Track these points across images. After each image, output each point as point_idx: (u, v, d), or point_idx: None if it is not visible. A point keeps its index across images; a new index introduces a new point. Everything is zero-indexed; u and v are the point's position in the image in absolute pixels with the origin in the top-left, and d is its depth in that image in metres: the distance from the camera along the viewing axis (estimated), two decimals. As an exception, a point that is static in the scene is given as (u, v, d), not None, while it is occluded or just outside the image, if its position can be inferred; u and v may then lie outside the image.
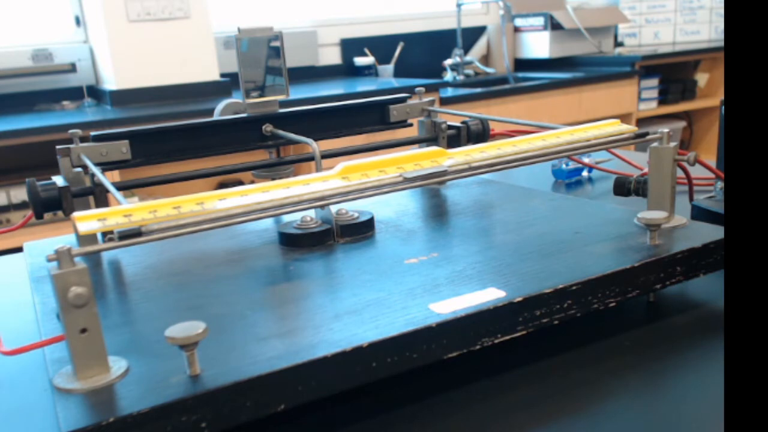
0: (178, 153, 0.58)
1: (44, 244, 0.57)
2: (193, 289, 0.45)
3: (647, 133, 0.49)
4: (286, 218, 0.55)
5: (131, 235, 0.34)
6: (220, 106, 0.63)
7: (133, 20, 1.96)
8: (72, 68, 2.15)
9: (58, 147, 0.53)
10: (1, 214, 1.79)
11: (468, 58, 2.91)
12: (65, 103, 2.13)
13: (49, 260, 0.31)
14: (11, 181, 1.81)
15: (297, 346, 0.35)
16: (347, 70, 2.70)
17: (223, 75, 2.13)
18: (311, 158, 0.54)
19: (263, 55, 0.58)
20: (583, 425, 0.34)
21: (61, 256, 0.31)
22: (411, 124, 0.68)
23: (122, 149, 0.55)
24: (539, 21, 2.82)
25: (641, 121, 2.78)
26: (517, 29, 2.93)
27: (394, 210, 0.59)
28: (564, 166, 0.82)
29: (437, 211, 0.59)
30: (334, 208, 0.53)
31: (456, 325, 0.37)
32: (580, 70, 2.72)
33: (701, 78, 3.04)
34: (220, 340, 0.36)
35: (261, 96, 0.60)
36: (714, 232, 0.46)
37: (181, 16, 2.02)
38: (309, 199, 0.39)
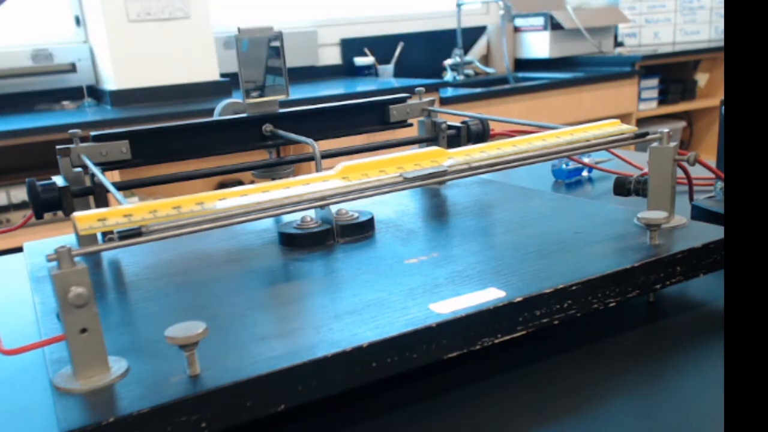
0: (178, 153, 0.58)
1: (44, 244, 0.57)
2: (193, 289, 0.45)
3: (647, 133, 0.49)
4: (286, 218, 0.55)
5: (131, 235, 0.34)
6: (220, 106, 0.63)
7: (133, 20, 1.96)
8: (72, 68, 2.14)
9: (58, 147, 0.53)
10: (1, 214, 1.79)
11: (468, 58, 2.91)
12: (65, 103, 2.13)
13: (49, 260, 0.31)
14: (11, 181, 1.81)
15: (297, 346, 0.35)
16: (347, 70, 2.70)
17: (223, 75, 2.13)
18: (311, 158, 0.54)
19: (263, 55, 0.58)
20: (583, 425, 0.34)
21: (61, 256, 0.31)
22: (411, 124, 0.68)
23: (122, 149, 0.55)
24: (539, 21, 2.82)
25: (641, 121, 2.78)
26: (517, 29, 2.93)
27: (394, 210, 0.59)
28: (564, 166, 0.82)
29: (437, 211, 0.59)
30: (334, 208, 0.53)
31: (456, 325, 0.37)
32: (580, 70, 2.72)
33: (701, 78, 3.04)
34: (220, 340, 0.36)
35: (261, 96, 0.59)
36: (714, 232, 0.46)
37: (181, 16, 2.02)
38: (309, 199, 0.39)
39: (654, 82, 2.79)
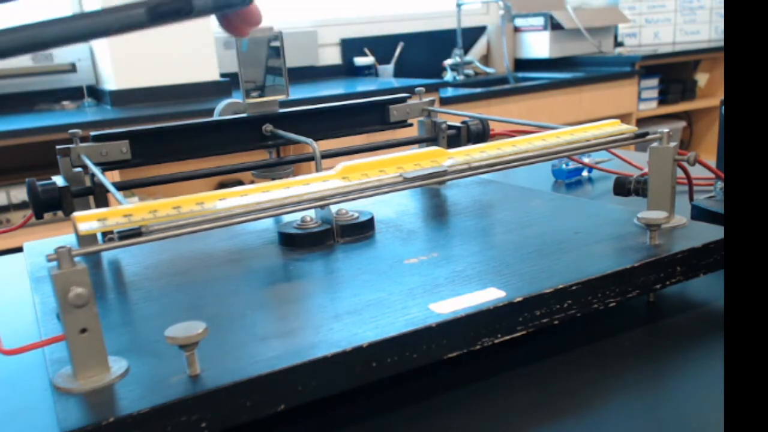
0: (178, 153, 0.58)
1: (44, 244, 0.57)
2: (193, 289, 0.45)
3: (647, 133, 0.49)
4: (286, 218, 0.55)
5: (131, 235, 0.34)
6: (220, 106, 0.63)
7: (133, 20, 1.96)
8: (72, 68, 2.14)
9: (58, 147, 0.53)
10: (1, 214, 1.79)
11: (468, 58, 2.91)
12: (65, 103, 2.13)
13: (49, 260, 0.31)
14: (11, 181, 1.81)
15: (297, 346, 0.35)
16: (347, 70, 2.70)
17: (223, 75, 2.13)
18: (311, 158, 0.54)
19: (263, 55, 0.58)
20: (583, 425, 0.34)
21: (61, 256, 0.31)
22: (411, 124, 0.68)
23: (122, 149, 0.55)
24: (539, 21, 2.82)
25: (641, 121, 2.78)
26: (517, 29, 2.93)
27: (394, 210, 0.59)
28: (564, 166, 0.82)
29: (437, 211, 0.59)
30: (334, 208, 0.53)
31: (456, 325, 0.37)
32: (580, 70, 2.72)
33: (701, 78, 3.04)
34: (220, 340, 0.36)
35: (261, 96, 0.60)
36: (714, 232, 0.46)
37: (181, 16, 2.01)
38: (309, 199, 0.39)
39: (654, 82, 2.79)
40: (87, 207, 0.53)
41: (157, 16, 0.32)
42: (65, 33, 0.31)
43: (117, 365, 0.34)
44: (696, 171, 0.70)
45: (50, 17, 0.31)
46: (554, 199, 0.59)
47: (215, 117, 0.61)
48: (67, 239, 0.57)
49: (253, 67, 0.58)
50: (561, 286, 0.40)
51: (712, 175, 0.64)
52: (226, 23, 0.36)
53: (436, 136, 0.67)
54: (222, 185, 1.98)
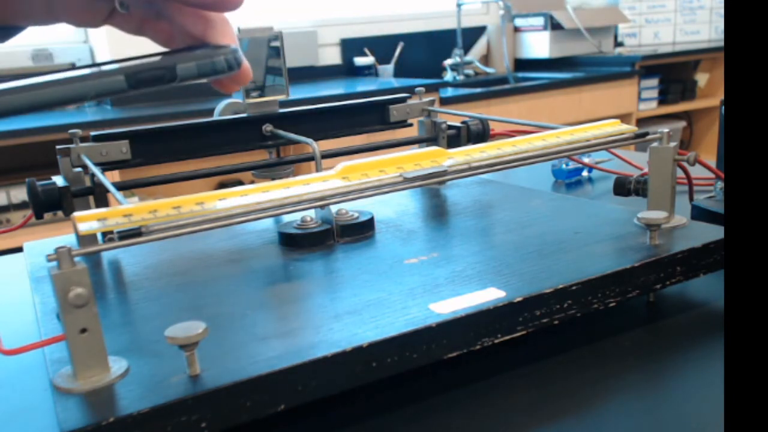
0: (178, 153, 0.58)
1: (44, 244, 0.57)
2: (193, 289, 0.45)
3: (647, 133, 0.49)
4: (286, 218, 0.55)
5: (131, 235, 0.34)
6: (220, 106, 0.63)
7: (133, 20, 1.96)
8: (72, 68, 2.14)
9: (58, 147, 0.53)
10: (1, 214, 1.79)
11: (468, 58, 2.91)
12: (65, 103, 2.13)
13: (49, 260, 0.31)
14: (11, 181, 1.81)
15: (297, 346, 0.35)
16: (347, 70, 2.70)
17: (223, 75, 2.13)
18: (311, 158, 0.54)
19: (263, 55, 0.58)
20: (583, 425, 0.34)
21: (61, 256, 0.31)
22: (411, 124, 0.68)
23: (122, 149, 0.55)
24: (539, 21, 2.82)
25: (641, 121, 2.78)
26: (517, 29, 2.94)
27: (394, 210, 0.59)
28: (564, 166, 0.82)
29: (437, 211, 0.59)
30: (334, 208, 0.53)
31: (456, 325, 0.37)
32: (580, 70, 2.72)
33: (701, 78, 3.04)
34: (220, 340, 0.36)
35: (261, 96, 0.60)
36: (714, 232, 0.46)
37: (181, 16, 2.01)
38: (309, 199, 0.39)
39: (654, 82, 2.80)
40: (87, 207, 0.53)
41: (137, 83, 0.32)
42: (36, 99, 0.30)
43: (117, 365, 0.34)
44: (696, 171, 0.70)
45: (25, 81, 0.30)
46: (554, 199, 0.59)
47: (215, 117, 0.61)
48: (67, 239, 0.57)
49: (253, 67, 0.58)
50: (561, 286, 0.40)
51: (712, 175, 0.64)
52: (214, 81, 0.37)
53: (436, 136, 0.67)
54: (222, 185, 1.98)
